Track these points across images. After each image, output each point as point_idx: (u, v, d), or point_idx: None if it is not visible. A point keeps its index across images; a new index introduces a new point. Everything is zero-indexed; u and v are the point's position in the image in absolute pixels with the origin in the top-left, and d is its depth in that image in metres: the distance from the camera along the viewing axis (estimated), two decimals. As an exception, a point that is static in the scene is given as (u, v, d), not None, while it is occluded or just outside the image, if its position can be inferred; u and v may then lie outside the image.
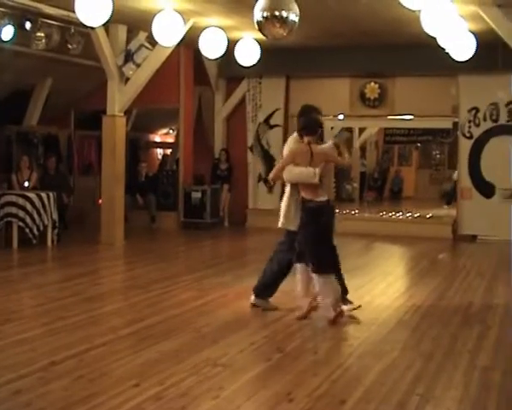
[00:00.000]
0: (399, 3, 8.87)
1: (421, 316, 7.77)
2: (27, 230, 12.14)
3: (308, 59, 15.40)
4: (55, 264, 11.81)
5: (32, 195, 12.33)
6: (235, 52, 12.58)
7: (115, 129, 13.05)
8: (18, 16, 11.87)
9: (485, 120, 14.60)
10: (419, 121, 17.58)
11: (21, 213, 12.09)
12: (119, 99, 13.05)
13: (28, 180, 13.37)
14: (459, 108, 14.86)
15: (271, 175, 7.96)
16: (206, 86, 16.93)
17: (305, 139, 7.44)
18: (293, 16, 8.69)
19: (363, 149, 24.69)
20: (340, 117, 16.61)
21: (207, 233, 15.37)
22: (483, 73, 14.07)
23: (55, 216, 12.62)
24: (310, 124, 7.53)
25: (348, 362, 6.08)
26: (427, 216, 16.24)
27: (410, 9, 9.19)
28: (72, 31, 12.77)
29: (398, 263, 12.85)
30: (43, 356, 5.90)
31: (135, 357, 5.99)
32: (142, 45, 12.92)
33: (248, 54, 12.56)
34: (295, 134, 7.73)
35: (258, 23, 8.75)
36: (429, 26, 9.43)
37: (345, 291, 7.76)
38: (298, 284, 7.60)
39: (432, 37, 10.04)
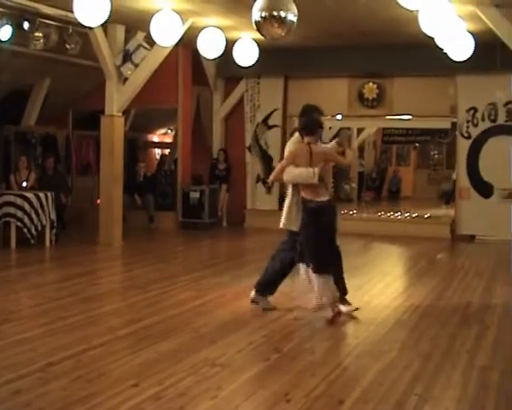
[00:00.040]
0: (397, 3, 8.87)
1: (420, 316, 7.78)
2: (25, 230, 12.13)
3: (306, 59, 15.39)
4: (53, 264, 11.81)
5: (30, 195, 12.32)
6: (234, 52, 12.57)
7: (113, 129, 13.04)
8: (16, 16, 11.87)
9: (483, 120, 14.61)
10: (417, 121, 17.61)
11: (19, 214, 12.08)
12: (117, 99, 13.05)
13: (26, 180, 13.38)
14: (457, 108, 14.87)
15: (272, 177, 7.99)
16: (205, 86, 16.94)
17: (305, 139, 7.44)
18: (292, 16, 8.69)
19: (361, 149, 24.71)
20: (339, 117, 16.63)
21: (206, 233, 15.36)
22: (481, 73, 14.08)
23: (53, 216, 12.62)
24: (309, 124, 7.53)
25: (346, 362, 6.09)
26: (426, 216, 16.25)
27: (408, 9, 9.19)
28: (71, 31, 12.79)
29: (397, 263, 12.85)
30: (42, 356, 5.90)
31: (133, 357, 5.99)
32: (140, 45, 12.92)
33: (246, 54, 12.55)
34: (297, 134, 7.73)
35: (257, 23, 8.75)
36: (427, 27, 9.42)
37: (344, 292, 7.76)
38: (300, 284, 7.60)
39: (430, 37, 10.04)
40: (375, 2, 10.93)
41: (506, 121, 14.40)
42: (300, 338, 6.80)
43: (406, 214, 16.60)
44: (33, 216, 12.19)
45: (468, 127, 14.76)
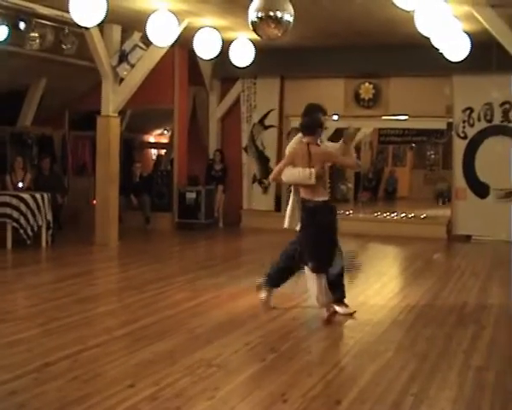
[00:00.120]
0: (393, 4, 8.89)
1: (416, 316, 7.78)
2: (21, 230, 12.11)
3: (303, 59, 15.39)
4: (49, 265, 11.79)
5: (26, 195, 12.30)
6: (230, 52, 12.56)
7: (109, 129, 13.03)
8: (12, 16, 11.86)
9: (479, 120, 14.61)
10: (413, 122, 17.62)
11: (15, 214, 12.06)
12: (113, 99, 13.04)
13: (22, 181, 13.36)
14: (453, 109, 14.88)
15: (271, 177, 8.00)
16: (201, 87, 16.93)
17: (305, 139, 7.44)
18: (288, 16, 8.70)
19: (357, 149, 24.69)
20: (335, 117, 16.62)
21: (202, 234, 15.36)
22: (477, 73, 14.08)
23: (50, 217, 12.59)
24: (308, 124, 7.53)
25: (343, 362, 6.10)
26: (422, 216, 16.26)
27: (404, 10, 9.21)
28: (67, 31, 12.78)
29: (393, 263, 12.86)
30: (38, 357, 5.89)
31: (129, 358, 5.98)
32: (136, 45, 12.91)
33: (243, 54, 12.54)
34: (300, 134, 7.71)
35: (253, 23, 8.76)
36: (423, 27, 9.44)
37: (342, 295, 7.77)
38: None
39: (426, 37, 10.06)
40: (371, 2, 10.94)
41: (502, 121, 14.40)
42: (297, 338, 6.80)
43: (402, 215, 16.60)
44: (29, 217, 12.16)
45: (464, 127, 14.77)
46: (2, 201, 12.16)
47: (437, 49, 11.05)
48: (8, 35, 11.90)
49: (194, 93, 17.15)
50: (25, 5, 11.39)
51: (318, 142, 7.53)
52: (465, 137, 14.79)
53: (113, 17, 11.47)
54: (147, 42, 12.31)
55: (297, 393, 5.11)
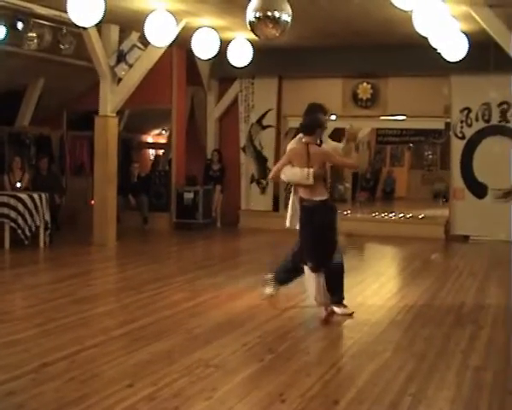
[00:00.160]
0: (391, 4, 8.89)
1: (414, 316, 7.78)
2: (19, 231, 12.11)
3: (300, 59, 15.39)
4: (47, 265, 11.77)
5: (23, 195, 12.29)
6: (228, 52, 12.56)
7: (107, 129, 13.03)
8: (10, 16, 11.86)
9: (477, 120, 14.62)
10: (411, 122, 17.60)
11: (13, 214, 12.05)
12: (111, 99, 13.03)
13: (20, 181, 13.35)
14: (451, 109, 14.89)
15: (270, 175, 8.01)
16: (199, 87, 16.92)
17: (304, 139, 7.44)
18: (286, 16, 8.70)
19: (355, 149, 24.64)
20: (333, 117, 16.60)
21: (200, 234, 15.35)
22: (475, 73, 14.09)
23: (48, 217, 12.59)
24: (308, 124, 7.52)
25: (341, 363, 6.10)
26: (420, 216, 16.26)
27: (402, 10, 9.20)
28: (65, 31, 12.79)
29: (391, 263, 12.86)
30: (36, 357, 5.88)
31: (127, 358, 5.97)
32: (134, 45, 12.90)
33: (241, 54, 12.54)
34: (301, 134, 7.69)
35: (251, 23, 8.75)
36: (421, 27, 9.43)
37: (341, 296, 7.77)
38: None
39: (424, 37, 10.06)
40: (369, 2, 10.94)
41: (500, 121, 14.41)
42: (295, 338, 6.81)
43: (400, 215, 16.59)
44: (27, 217, 12.16)
45: (462, 127, 14.77)
46: (0, 201, 12.15)
47: (435, 49, 11.04)
48: (6, 35, 11.90)
49: (192, 93, 17.15)
50: (23, 5, 11.39)
51: (318, 141, 7.53)
52: (463, 138, 14.79)
53: (110, 17, 11.47)
54: (145, 42, 12.31)
55: (295, 393, 5.11)
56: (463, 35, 11.23)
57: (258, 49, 12.68)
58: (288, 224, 7.89)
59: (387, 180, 26.17)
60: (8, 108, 15.82)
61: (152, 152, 21.59)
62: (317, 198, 7.37)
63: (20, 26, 12.00)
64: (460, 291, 9.34)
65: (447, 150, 16.56)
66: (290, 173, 7.46)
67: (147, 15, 10.99)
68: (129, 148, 18.77)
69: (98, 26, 11.72)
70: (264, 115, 16.53)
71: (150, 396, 4.98)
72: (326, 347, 6.72)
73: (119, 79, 13.10)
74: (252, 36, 9.51)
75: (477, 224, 14.52)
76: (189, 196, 15.83)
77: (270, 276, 7.99)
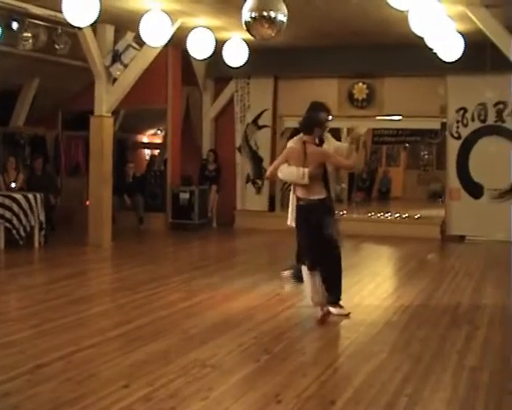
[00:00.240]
0: (387, 4, 8.88)
1: (410, 317, 7.77)
2: (14, 231, 12.07)
3: (296, 59, 15.38)
4: (42, 265, 11.74)
5: (18, 196, 12.26)
6: (223, 52, 12.55)
7: (103, 129, 13.00)
8: (5, 16, 11.82)
9: (473, 120, 14.62)
10: (407, 122, 17.59)
11: (8, 215, 12.02)
12: (106, 99, 13.01)
13: (15, 181, 13.33)
14: (447, 109, 14.88)
15: (268, 172, 8.01)
16: (194, 87, 16.90)
17: (303, 138, 7.44)
18: (282, 16, 8.69)
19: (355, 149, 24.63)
20: (329, 117, 16.58)
21: (195, 234, 15.33)
22: (471, 73, 14.08)
23: (42, 217, 12.56)
24: (305, 123, 7.52)
25: (337, 363, 6.09)
26: (416, 217, 16.26)
27: (398, 10, 9.19)
28: (60, 31, 12.75)
29: (387, 264, 12.86)
30: (31, 358, 5.86)
31: (123, 359, 5.96)
32: (129, 45, 12.88)
33: (236, 54, 12.53)
34: (301, 134, 7.67)
35: (247, 23, 8.74)
36: (417, 27, 9.43)
37: (338, 296, 7.76)
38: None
39: (420, 37, 10.05)
40: (366, 2, 10.93)
41: (496, 121, 14.41)
42: (291, 339, 6.79)
43: (396, 215, 16.60)
44: (22, 217, 12.13)
45: (458, 127, 14.77)
46: (-5, 201, 12.13)
47: (431, 50, 11.05)
48: (1, 35, 11.87)
49: (187, 93, 17.12)
50: (18, 5, 11.36)
51: (317, 140, 7.51)
52: (459, 138, 14.79)
53: (106, 17, 11.44)
54: (140, 42, 12.28)
55: (291, 393, 5.10)
56: (459, 35, 11.23)
57: (253, 49, 12.67)
58: (289, 222, 7.90)
59: (383, 180, 26.19)
60: (2, 108, 15.79)
61: (147, 152, 21.59)
62: (314, 197, 7.36)
63: (14, 26, 11.98)
64: (456, 291, 9.34)
65: (443, 150, 16.55)
66: (287, 172, 7.46)
67: (142, 15, 10.97)
68: (124, 148, 18.73)
69: (93, 26, 11.70)
70: (259, 115, 16.51)
71: (146, 397, 4.97)
72: (322, 347, 6.71)
73: (115, 79, 13.08)
74: (247, 36, 9.49)
75: (473, 224, 14.52)
76: (184, 196, 15.81)
77: (287, 273, 8.03)
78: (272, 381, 5.40)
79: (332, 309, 7.55)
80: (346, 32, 13.28)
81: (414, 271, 11.33)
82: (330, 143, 7.82)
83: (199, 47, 12.14)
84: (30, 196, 12.36)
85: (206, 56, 12.50)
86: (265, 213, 16.35)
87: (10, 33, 12.04)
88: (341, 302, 7.75)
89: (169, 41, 11.96)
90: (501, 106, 14.31)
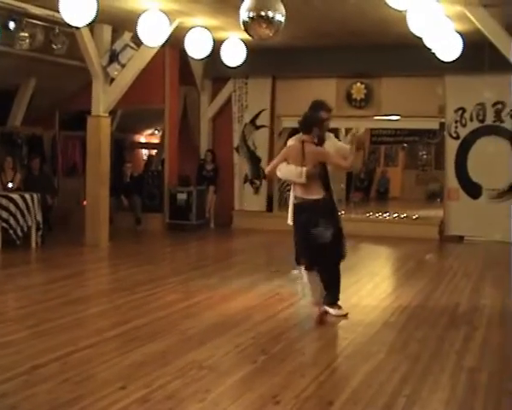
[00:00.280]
0: (386, 3, 8.87)
1: (408, 317, 7.76)
2: (11, 231, 12.05)
3: (294, 59, 15.36)
4: (39, 266, 11.73)
5: (15, 196, 12.24)
6: (221, 52, 12.53)
7: (100, 129, 12.98)
8: (2, 16, 11.79)
9: (471, 120, 14.61)
10: (405, 122, 17.57)
11: (5, 215, 11.99)
12: (103, 99, 12.98)
13: (12, 181, 13.30)
14: (446, 109, 14.87)
15: (267, 170, 8.02)
16: (192, 86, 16.88)
17: (302, 137, 7.42)
18: (280, 16, 8.67)
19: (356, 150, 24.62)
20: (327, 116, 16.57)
21: (193, 235, 15.31)
22: (469, 73, 14.07)
23: (39, 217, 12.53)
24: (304, 122, 7.50)
25: (335, 363, 6.07)
26: (414, 217, 16.24)
27: (396, 9, 9.18)
28: (57, 31, 12.73)
29: (385, 264, 12.84)
30: (28, 359, 5.84)
31: (121, 359, 5.94)
32: (127, 45, 12.87)
33: (234, 54, 12.51)
34: (301, 133, 7.65)
35: (244, 23, 8.72)
36: (415, 27, 9.42)
37: (336, 297, 7.75)
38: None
39: (418, 37, 10.04)
40: (364, 2, 10.92)
41: (494, 121, 14.40)
42: (289, 339, 6.77)
43: (395, 215, 16.58)
44: (19, 217, 12.10)
45: (456, 127, 14.76)
46: (-8, 201, 12.10)
47: (429, 49, 11.02)
48: (-1, 35, 11.85)
49: (185, 93, 17.10)
50: (15, 5, 11.34)
51: (315, 140, 7.48)
52: (457, 138, 14.78)
53: (103, 17, 11.41)
54: (137, 42, 12.27)
55: (289, 394, 5.09)
56: (458, 35, 11.22)
57: (251, 49, 12.66)
58: (289, 221, 7.88)
59: (381, 180, 26.17)
60: (-1, 108, 15.79)
61: (145, 152, 21.53)
62: (309, 197, 7.34)
63: (11, 25, 11.95)
64: (454, 292, 9.33)
65: (441, 150, 16.55)
66: (285, 171, 7.45)
67: (139, 15, 10.95)
68: (121, 148, 18.70)
69: (91, 25, 11.69)
70: (257, 115, 16.49)
71: (144, 398, 4.95)
72: (320, 347, 6.70)
73: (112, 79, 13.06)
74: (245, 36, 9.47)
75: (471, 224, 14.51)
76: (182, 196, 15.79)
77: (297, 272, 8.04)
78: (270, 382, 5.38)
79: (330, 310, 7.53)
80: (344, 32, 13.27)
81: (412, 271, 11.32)
82: (332, 143, 7.76)
83: (197, 47, 12.13)
84: (27, 196, 12.33)
85: (203, 56, 12.50)
86: (263, 214, 16.33)
87: (7, 33, 12.03)
88: (339, 303, 7.74)
89: (166, 41, 11.93)
90: (499, 106, 14.30)
